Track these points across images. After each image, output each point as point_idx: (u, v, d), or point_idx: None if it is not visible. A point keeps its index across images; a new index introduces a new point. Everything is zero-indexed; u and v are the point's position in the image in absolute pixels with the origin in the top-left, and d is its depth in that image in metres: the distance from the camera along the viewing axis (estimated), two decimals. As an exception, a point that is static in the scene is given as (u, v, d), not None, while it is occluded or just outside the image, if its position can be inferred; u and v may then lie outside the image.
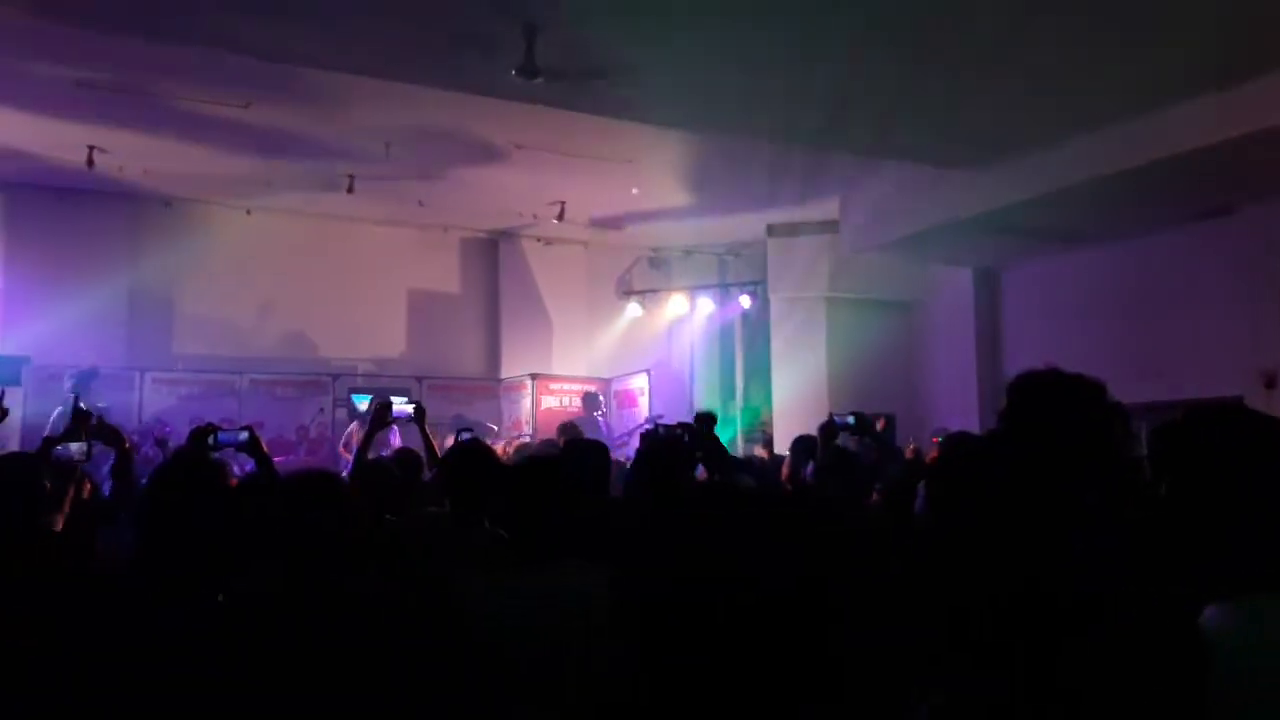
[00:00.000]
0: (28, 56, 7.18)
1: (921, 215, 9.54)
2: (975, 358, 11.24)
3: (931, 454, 8.03)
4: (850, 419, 4.65)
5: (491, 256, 12.99)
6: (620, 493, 4.41)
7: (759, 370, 12.61)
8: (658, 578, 1.22)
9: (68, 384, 8.76)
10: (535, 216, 11.69)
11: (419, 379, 11.72)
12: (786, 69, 6.41)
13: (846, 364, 11.43)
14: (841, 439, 4.79)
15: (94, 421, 4.14)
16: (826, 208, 10.85)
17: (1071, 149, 7.70)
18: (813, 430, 7.31)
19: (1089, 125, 7.37)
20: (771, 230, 11.82)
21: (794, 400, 11.49)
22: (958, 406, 11.07)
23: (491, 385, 12.55)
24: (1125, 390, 1.85)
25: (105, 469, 4.83)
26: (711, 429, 4.60)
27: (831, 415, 4.74)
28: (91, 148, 8.99)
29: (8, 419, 4.56)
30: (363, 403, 10.67)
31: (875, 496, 4.10)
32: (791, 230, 11.69)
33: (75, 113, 8.22)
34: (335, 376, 11.48)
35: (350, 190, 10.03)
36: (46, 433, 5.57)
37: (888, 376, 11.45)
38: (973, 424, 10.14)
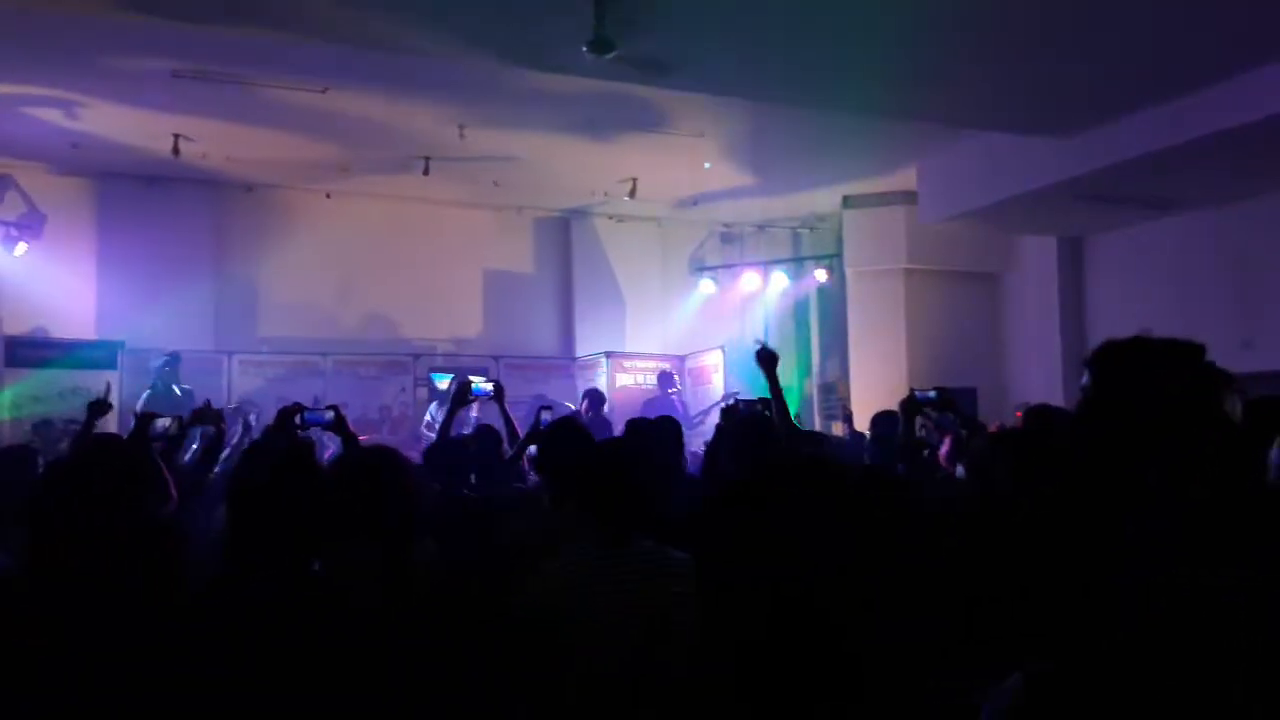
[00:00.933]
0: (119, 50, 7.40)
1: (1004, 183, 9.29)
2: (1059, 329, 10.95)
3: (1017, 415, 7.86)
4: (933, 393, 4.54)
5: (564, 235, 13.03)
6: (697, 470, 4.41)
7: (835, 345, 12.46)
8: (743, 560, 1.20)
9: (154, 368, 9.08)
10: (607, 194, 11.68)
11: (496, 358, 11.84)
12: (865, 38, 6.27)
13: (926, 338, 11.24)
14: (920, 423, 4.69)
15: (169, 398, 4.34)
16: (903, 178, 10.65)
17: (1168, 111, 7.40)
18: (893, 406, 7.22)
19: (1185, 87, 7.08)
20: (847, 202, 11.65)
21: (872, 375, 11.34)
22: (1041, 380, 10.81)
23: (566, 364, 12.61)
24: (1220, 362, 1.74)
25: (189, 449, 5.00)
26: (773, 369, 4.54)
27: (913, 390, 4.63)
28: (177, 136, 9.23)
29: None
30: (442, 382, 10.82)
31: (960, 473, 4.01)
32: (868, 202, 11.50)
33: (161, 102, 8.44)
34: (416, 356, 11.65)
35: (426, 173, 10.14)
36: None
37: (968, 350, 11.23)
38: (1057, 398, 9.88)
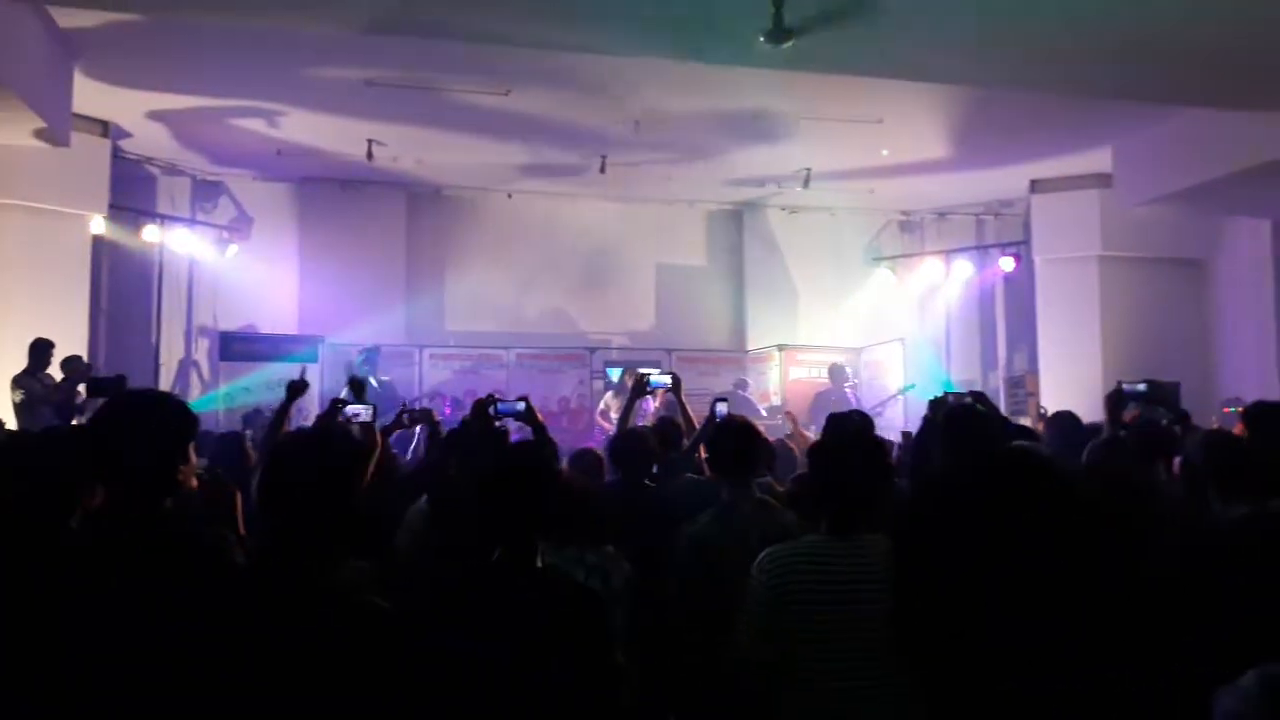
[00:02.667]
0: (318, 62, 7.88)
1: (1210, 163, 8.64)
2: (1276, 319, 10.08)
3: (1237, 427, 7.28)
4: (1142, 387, 4.25)
5: (736, 227, 13.01)
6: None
7: (1023, 337, 11.91)
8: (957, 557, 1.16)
9: (355, 360, 9.61)
10: (779, 185, 11.58)
11: (669, 351, 11.95)
12: (1062, 13, 5.94)
13: (1123, 329, 10.58)
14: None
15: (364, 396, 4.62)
16: (1097, 159, 10.05)
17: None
18: (1087, 402, 6.83)
19: None
20: (1036, 186, 11.08)
21: (1063, 369, 10.77)
22: (1252, 373, 10.01)
23: (739, 356, 12.60)
24: None
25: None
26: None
27: (1120, 384, 4.36)
28: (370, 141, 9.76)
29: (308, 391, 5.05)
30: (615, 374, 11.04)
31: (1175, 473, 3.75)
32: (1058, 185, 10.91)
33: (356, 110, 8.95)
34: (592, 350, 11.92)
35: (602, 170, 10.34)
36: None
37: (1171, 342, 10.49)
38: (1272, 392, 9.11)
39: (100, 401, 8.17)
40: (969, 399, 4.24)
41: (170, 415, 2.25)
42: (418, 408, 5.39)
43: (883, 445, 2.90)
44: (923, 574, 1.18)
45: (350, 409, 4.37)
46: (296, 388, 4.73)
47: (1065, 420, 4.77)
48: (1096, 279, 10.82)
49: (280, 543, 1.86)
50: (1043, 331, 11.19)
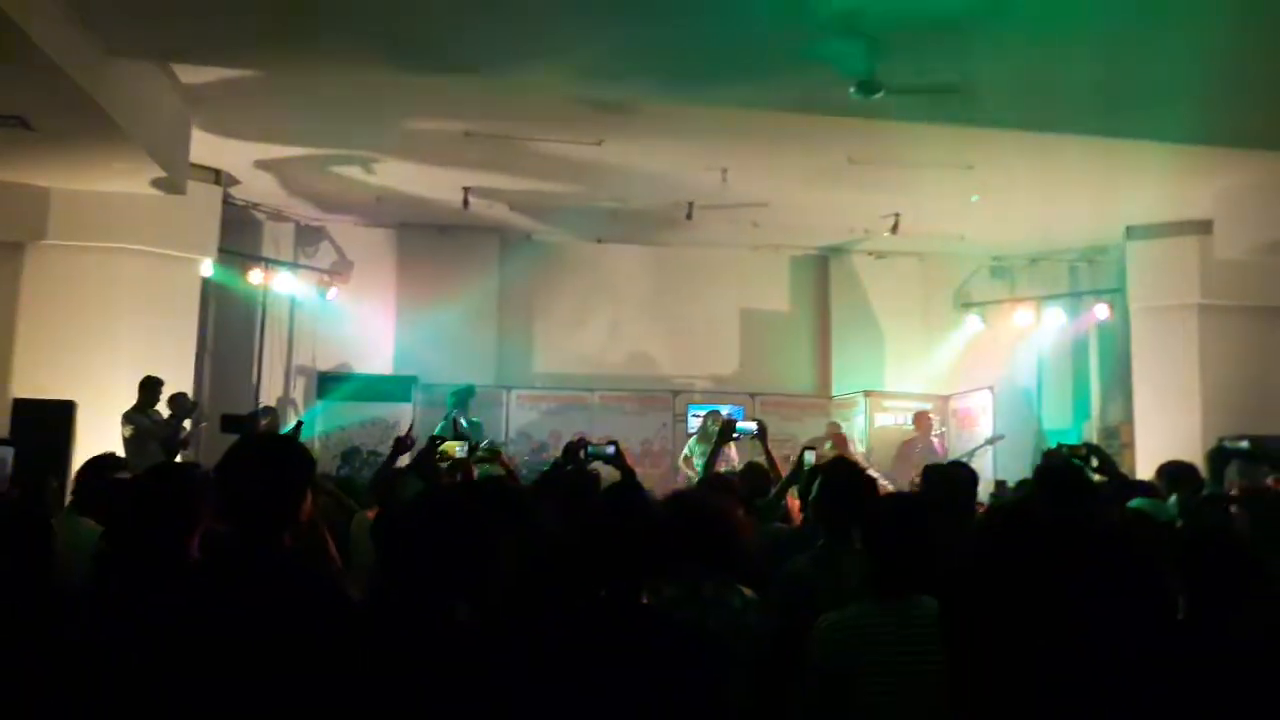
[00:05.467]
0: (419, 114, 8.20)
1: (1316, 209, 8.37)
2: (1384, 370, 9.65)
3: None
4: (1244, 444, 4.12)
5: (822, 272, 13.00)
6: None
7: (1118, 387, 11.59)
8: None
9: (450, 400, 9.84)
10: (867, 231, 11.55)
11: (752, 395, 11.95)
12: (1153, 60, 5.89)
13: (1223, 380, 10.22)
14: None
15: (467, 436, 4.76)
16: (1195, 204, 9.79)
17: None
18: (1185, 455, 6.61)
19: None
20: (1131, 232, 10.82)
21: (1160, 420, 10.44)
22: (1365, 427, 9.55)
23: (823, 402, 12.52)
24: None
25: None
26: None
27: (1221, 441, 4.24)
28: (466, 190, 10.06)
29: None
30: (696, 415, 11.11)
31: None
32: (1155, 231, 10.63)
33: (455, 159, 9.25)
34: (675, 393, 11.99)
35: (689, 217, 10.46)
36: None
37: (1274, 394, 10.09)
38: (1389, 448, 8.70)
39: (199, 436, 8.50)
40: (1083, 451, 4.16)
41: (294, 458, 2.40)
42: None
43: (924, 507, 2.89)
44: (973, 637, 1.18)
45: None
46: (403, 445, 4.94)
47: (1180, 472, 4.64)
48: (1195, 328, 10.49)
49: (401, 583, 1.97)
50: (1138, 381, 10.87)
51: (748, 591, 2.73)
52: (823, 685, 2.49)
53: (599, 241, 12.17)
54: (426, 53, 6.23)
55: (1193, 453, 8.86)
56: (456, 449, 4.95)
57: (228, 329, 10.93)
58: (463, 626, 2.00)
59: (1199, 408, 10.22)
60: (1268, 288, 10.26)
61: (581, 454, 4.27)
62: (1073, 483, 3.48)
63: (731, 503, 2.84)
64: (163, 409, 8.17)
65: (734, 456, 8.67)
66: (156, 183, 8.06)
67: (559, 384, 11.95)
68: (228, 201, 10.16)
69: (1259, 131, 7.44)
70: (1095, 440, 11.24)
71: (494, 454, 4.90)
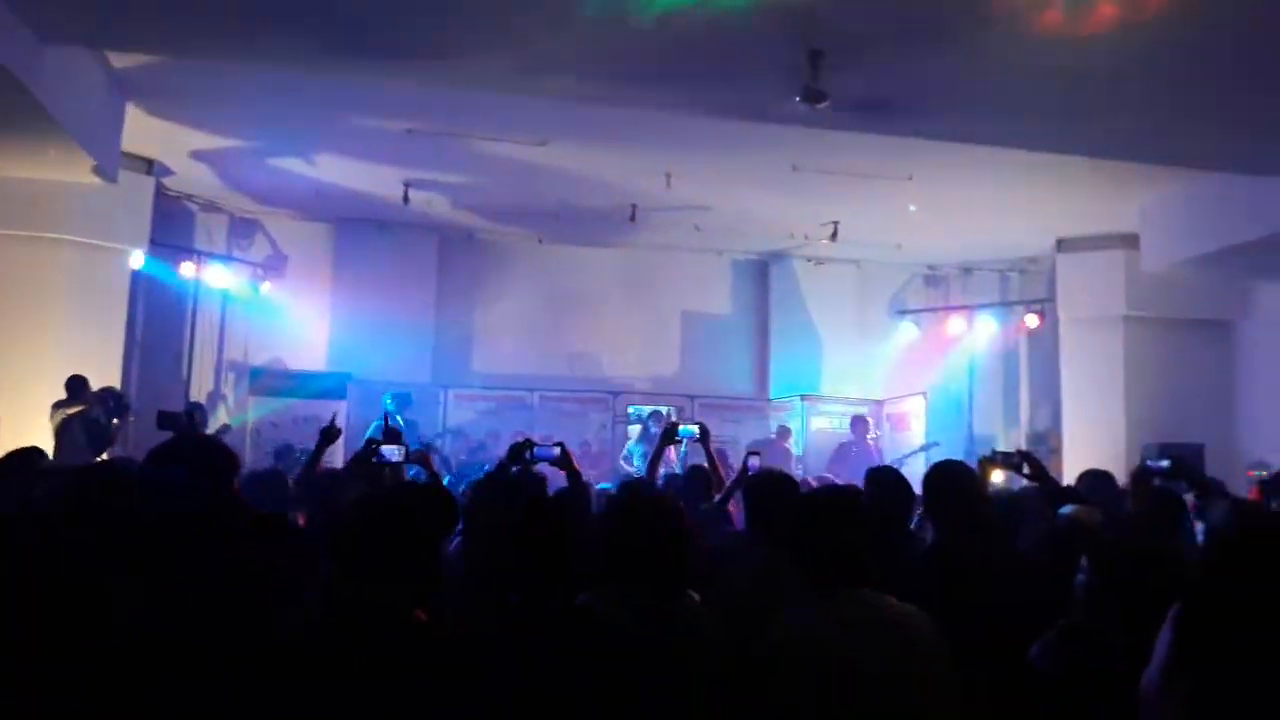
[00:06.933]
0: (361, 110, 8.07)
1: (1239, 226, 8.68)
2: (1303, 383, 10.05)
3: (1252, 491, 7.24)
4: (1165, 463, 4.21)
5: (762, 277, 13.12)
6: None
7: (1046, 395, 11.90)
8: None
9: (388, 403, 9.70)
10: (806, 237, 11.69)
11: (691, 397, 12.02)
12: (1091, 80, 6.06)
13: (1148, 390, 10.56)
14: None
15: (402, 440, 4.70)
16: (1123, 218, 10.10)
17: None
18: (1108, 462, 6.80)
19: None
20: (1061, 244, 11.13)
21: (1087, 428, 10.76)
22: (1276, 437, 9.95)
23: (761, 405, 12.64)
24: None
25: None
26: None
27: (1144, 459, 4.35)
28: (407, 185, 9.95)
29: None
30: (635, 427, 11.17)
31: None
32: (1084, 244, 10.94)
33: (396, 155, 9.14)
34: (615, 394, 12.01)
35: (632, 219, 10.48)
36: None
37: (1196, 404, 10.47)
38: (1297, 457, 9.09)
39: (127, 431, 8.28)
40: (1016, 458, 4.21)
41: (217, 456, 2.39)
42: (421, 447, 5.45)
43: (858, 501, 2.91)
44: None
45: (385, 449, 4.44)
46: (329, 435, 4.81)
47: (1099, 479, 4.75)
48: (1121, 339, 10.82)
49: (359, 588, 1.96)
50: (1066, 389, 11.18)
51: (696, 597, 2.74)
52: (772, 691, 2.50)
53: (540, 242, 12.12)
54: (365, 46, 6.12)
55: (1118, 458, 9.18)
56: (395, 453, 4.83)
57: (158, 323, 10.66)
58: (417, 627, 2.00)
59: (1124, 416, 10.55)
60: (1190, 301, 10.63)
61: (527, 455, 4.24)
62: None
63: (678, 508, 2.83)
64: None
65: (673, 459, 8.70)
66: (88, 171, 7.83)
67: (498, 383, 11.88)
68: (160, 192, 9.90)
69: (1182, 149, 7.70)
70: (1024, 446, 11.52)
71: (422, 457, 4.80)
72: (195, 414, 7.99)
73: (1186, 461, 4.32)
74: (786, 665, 2.45)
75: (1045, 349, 11.83)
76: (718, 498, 4.93)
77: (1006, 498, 4.25)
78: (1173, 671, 1.28)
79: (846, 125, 7.00)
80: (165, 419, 4.41)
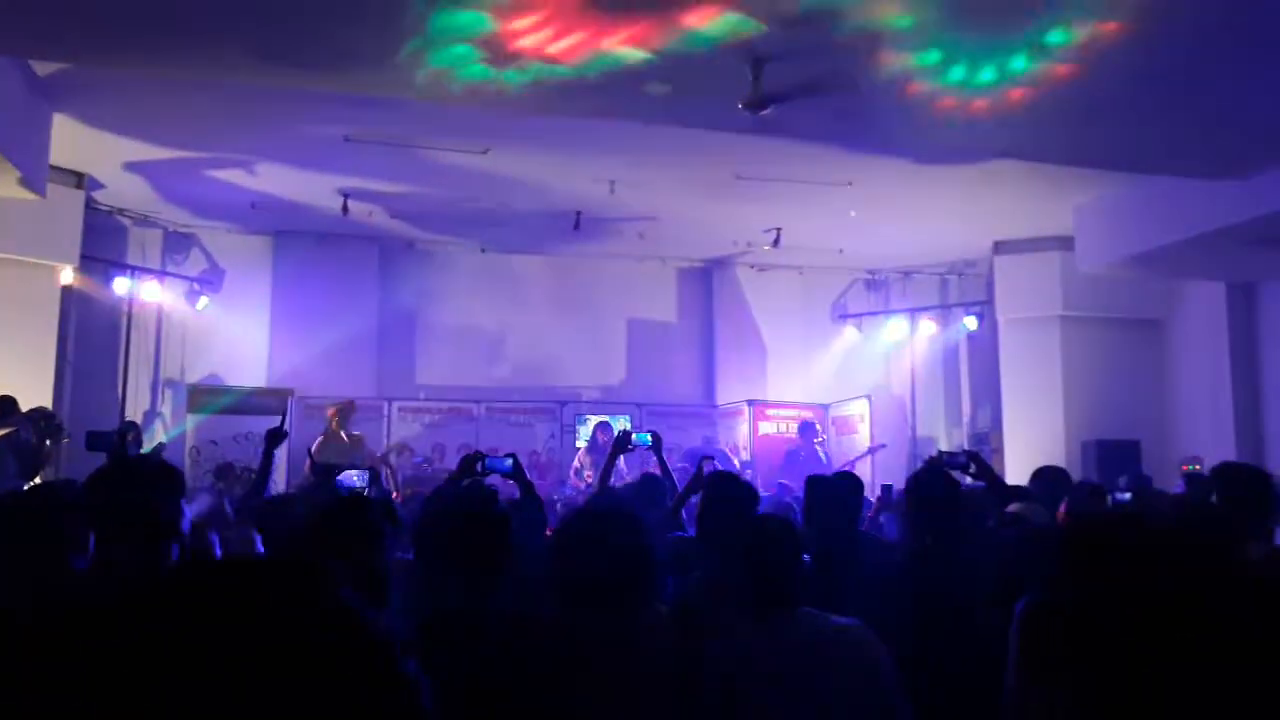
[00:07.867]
0: (297, 117, 7.93)
1: (1169, 227, 8.93)
2: (1230, 379, 10.36)
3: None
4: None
5: (706, 285, 13.16)
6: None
7: (987, 395, 12.12)
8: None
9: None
10: (749, 244, 11.76)
11: (639, 405, 12.00)
12: (1027, 84, 6.17)
13: (1084, 388, 10.83)
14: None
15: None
16: (1058, 221, 10.33)
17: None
18: (1048, 461, 6.91)
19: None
20: (998, 247, 11.36)
21: (1027, 427, 10.98)
22: (1209, 432, 10.25)
23: (708, 411, 12.67)
24: None
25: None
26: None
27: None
28: (346, 196, 9.80)
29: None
30: (584, 434, 11.10)
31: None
32: (1021, 246, 11.18)
33: (334, 164, 8.99)
34: (563, 403, 11.93)
35: (576, 227, 10.45)
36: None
37: (1131, 400, 10.77)
38: (1228, 451, 9.36)
39: (59, 452, 7.99)
40: (963, 459, 4.27)
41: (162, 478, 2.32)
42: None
43: (789, 527, 2.95)
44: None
45: (344, 476, 4.28)
46: (277, 436, 4.66)
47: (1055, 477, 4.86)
48: (1058, 338, 11.07)
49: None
50: (1006, 389, 11.40)
51: (662, 608, 2.73)
52: (710, 707, 2.49)
53: (483, 251, 12.02)
54: (298, 53, 6.00)
55: (1058, 457, 9.38)
56: (355, 477, 4.65)
57: (90, 340, 10.35)
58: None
59: (1062, 414, 10.79)
60: (1124, 301, 10.92)
61: (479, 467, 4.17)
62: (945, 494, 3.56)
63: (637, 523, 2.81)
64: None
65: (623, 467, 8.67)
66: (14, 184, 7.57)
67: (443, 395, 11.74)
68: (91, 206, 9.63)
69: (1113, 153, 7.89)
70: (966, 446, 11.71)
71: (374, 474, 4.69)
72: (129, 433, 7.77)
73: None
74: (716, 684, 2.46)
75: (985, 350, 12.05)
76: (671, 504, 4.94)
77: None
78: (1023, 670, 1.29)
79: (789, 133, 7.05)
80: (94, 439, 4.24)
